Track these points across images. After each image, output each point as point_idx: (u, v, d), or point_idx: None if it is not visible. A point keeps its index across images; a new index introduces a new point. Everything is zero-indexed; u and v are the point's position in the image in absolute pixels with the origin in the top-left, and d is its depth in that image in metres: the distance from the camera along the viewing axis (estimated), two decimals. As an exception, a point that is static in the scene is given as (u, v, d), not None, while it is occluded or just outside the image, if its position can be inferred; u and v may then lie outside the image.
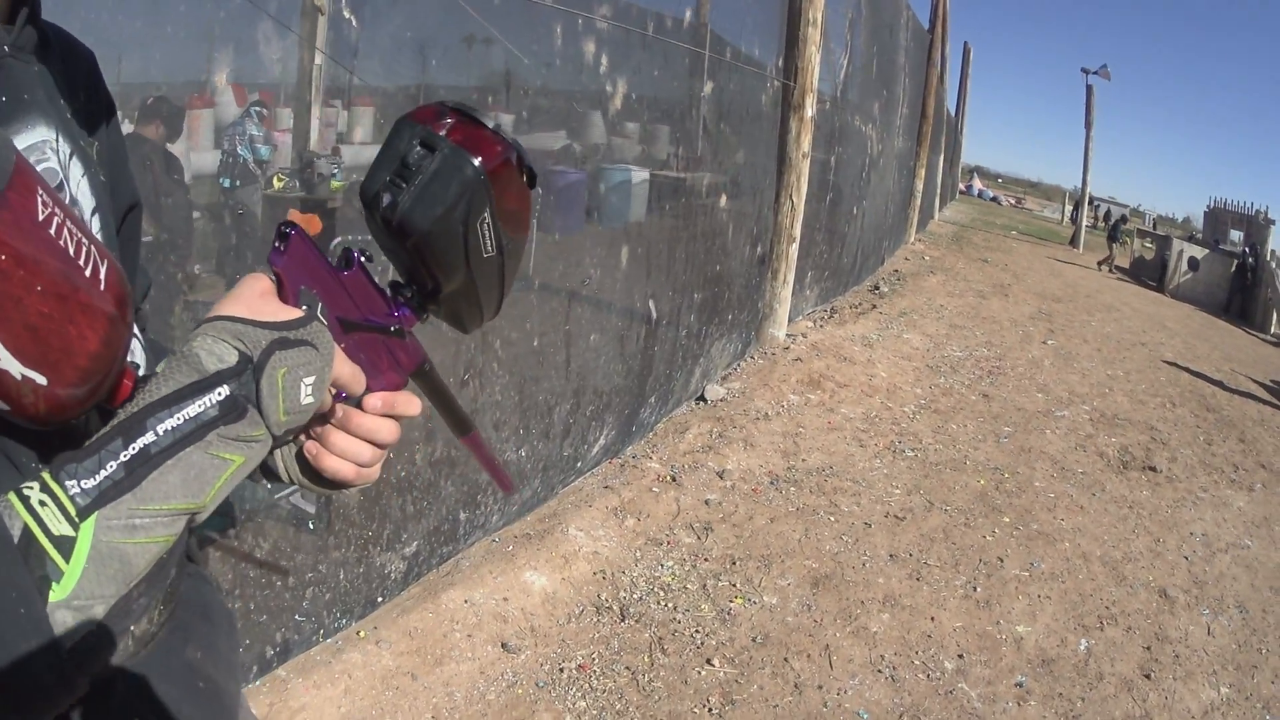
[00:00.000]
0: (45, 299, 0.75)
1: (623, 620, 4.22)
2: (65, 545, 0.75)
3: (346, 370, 0.98)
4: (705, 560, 4.83)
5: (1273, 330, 24.18)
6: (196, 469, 0.82)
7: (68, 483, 0.76)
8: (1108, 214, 74.63)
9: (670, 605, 4.41)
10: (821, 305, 11.33)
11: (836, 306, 11.66)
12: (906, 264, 17.57)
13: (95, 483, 0.77)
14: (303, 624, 3.52)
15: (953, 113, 37.55)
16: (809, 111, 8.25)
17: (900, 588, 4.84)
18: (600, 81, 5.04)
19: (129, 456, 0.78)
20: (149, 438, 0.79)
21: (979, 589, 4.95)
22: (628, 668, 3.89)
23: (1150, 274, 29.15)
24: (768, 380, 7.63)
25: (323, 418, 1.03)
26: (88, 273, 0.79)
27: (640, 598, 4.43)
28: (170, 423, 0.80)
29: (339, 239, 3.62)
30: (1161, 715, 4.23)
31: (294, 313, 0.92)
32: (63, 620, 0.75)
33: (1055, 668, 4.39)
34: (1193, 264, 27.84)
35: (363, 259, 1.04)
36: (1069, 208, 59.69)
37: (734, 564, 4.83)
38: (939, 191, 32.57)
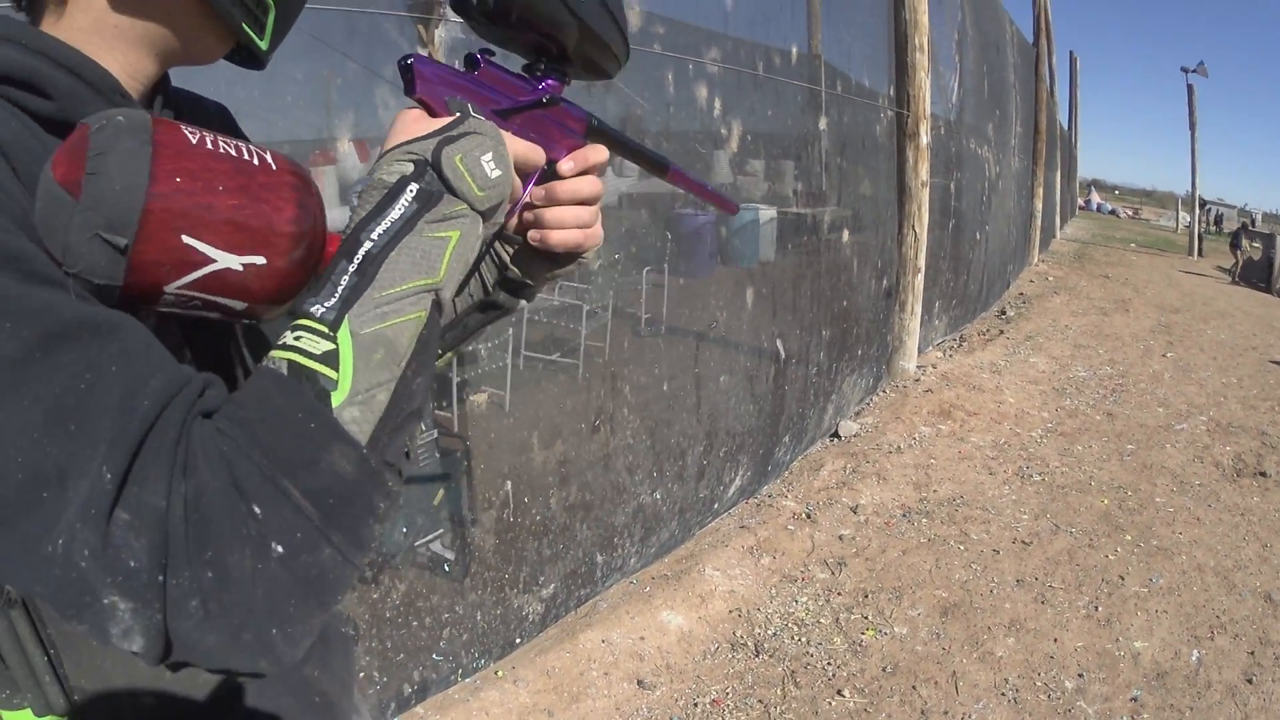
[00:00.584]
0: (228, 193, 0.84)
1: (757, 656, 4.28)
2: (329, 357, 0.82)
3: (520, 147, 1.05)
4: (838, 594, 4.87)
5: None
6: (420, 251, 0.90)
7: (312, 309, 0.83)
8: (1218, 217, 72.57)
9: (803, 639, 4.46)
10: (951, 334, 11.29)
11: (965, 334, 11.63)
12: (1031, 286, 17.42)
13: (335, 297, 0.84)
14: (440, 664, 3.62)
15: (1065, 127, 36.90)
16: (924, 139, 8.23)
17: (1025, 611, 4.85)
18: (718, 123, 5.13)
19: (356, 265, 0.86)
20: (366, 245, 0.87)
21: (1100, 608, 4.93)
22: (760, 701, 3.95)
23: (1259, 275, 27.94)
24: (899, 413, 7.65)
25: (529, 207, 1.14)
26: (256, 161, 0.89)
27: (774, 633, 4.48)
28: (380, 227, 0.88)
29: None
30: (1259, 717, 4.20)
31: (436, 122, 0.99)
32: (351, 417, 0.82)
33: (1168, 680, 4.39)
34: None
35: (485, 56, 1.08)
36: (1183, 214, 58.43)
37: (866, 597, 4.88)
38: (1059, 209, 32.00)
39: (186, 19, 1.01)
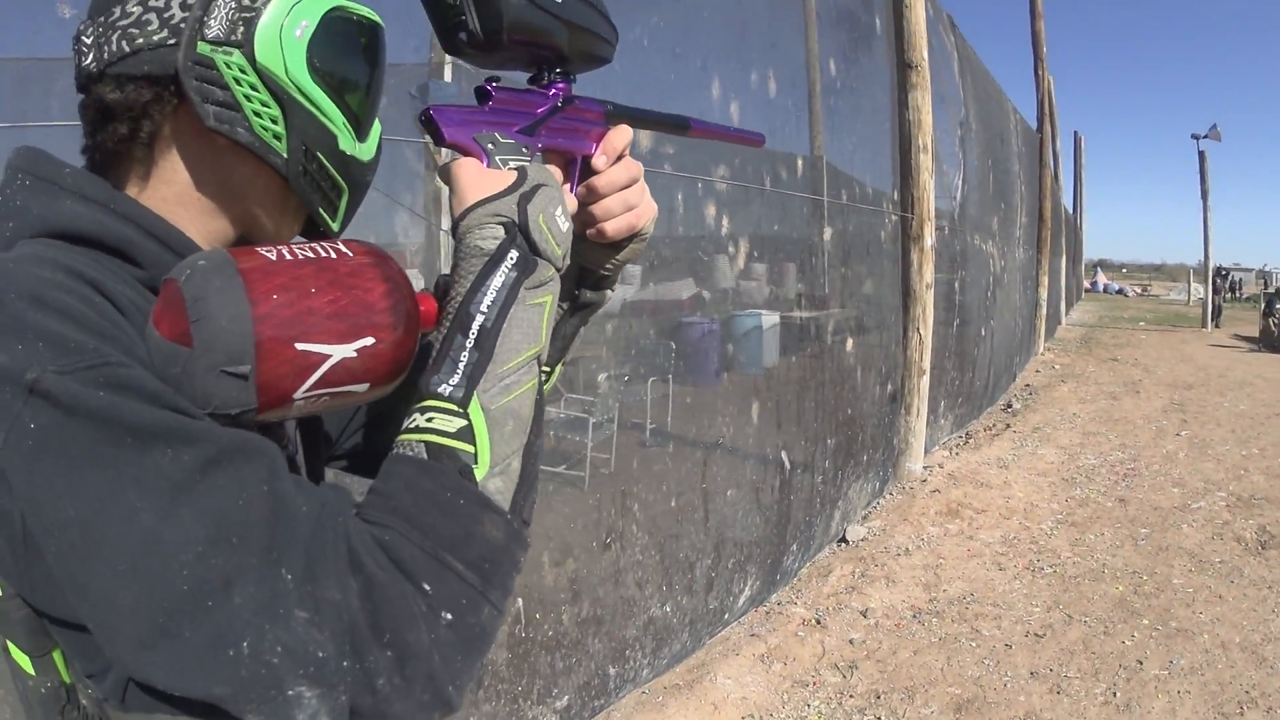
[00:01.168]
0: (322, 292, 0.92)
1: (770, 758, 4.33)
2: (464, 433, 0.92)
3: (560, 171, 1.18)
4: (850, 697, 4.94)
5: None
6: (527, 321, 0.99)
7: (439, 389, 0.94)
8: (1235, 282, 72.00)
9: (818, 743, 4.53)
10: (957, 432, 11.33)
11: (971, 431, 11.66)
12: (1037, 376, 17.44)
13: (459, 374, 0.94)
14: (458, 772, 3.71)
15: (1070, 210, 36.90)
16: (928, 241, 8.38)
17: (1040, 703, 4.90)
18: (725, 238, 5.31)
19: (473, 340, 0.96)
20: (479, 319, 0.96)
21: (1119, 694, 4.98)
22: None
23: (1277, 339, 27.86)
24: (907, 515, 7.73)
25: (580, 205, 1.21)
26: (334, 255, 0.97)
27: (787, 737, 4.56)
28: (488, 300, 0.97)
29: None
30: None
31: (508, 174, 1.07)
32: (496, 487, 0.93)
33: (1197, 759, 4.42)
34: None
35: (493, 85, 1.15)
36: (1194, 286, 57.92)
37: (878, 698, 4.94)
38: (1064, 295, 32.01)
39: (267, 201, 1.13)
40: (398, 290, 1.00)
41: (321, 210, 1.16)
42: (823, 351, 6.59)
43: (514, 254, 1.00)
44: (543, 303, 1.03)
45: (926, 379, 8.70)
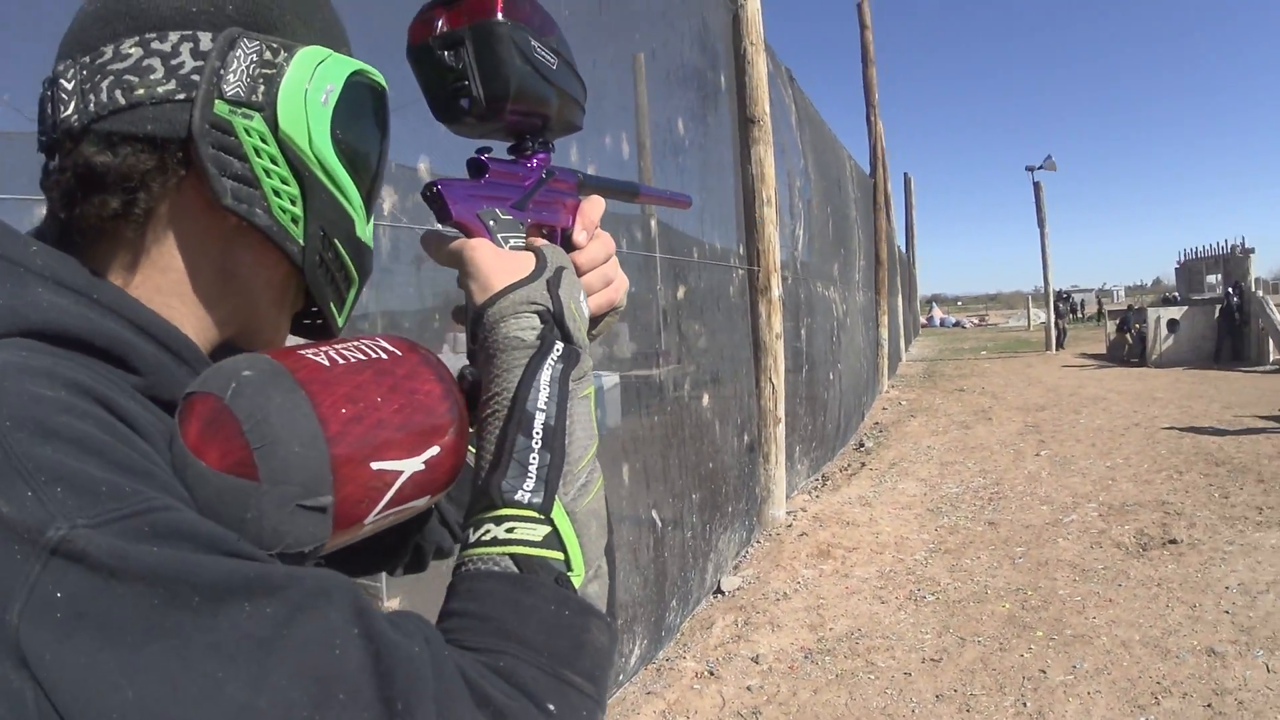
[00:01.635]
0: (388, 402, 0.86)
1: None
2: (551, 541, 0.87)
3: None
4: (758, 743, 4.97)
5: (1272, 359, 24.58)
6: (582, 415, 0.95)
7: (515, 497, 0.87)
8: (1077, 304, 74.56)
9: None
10: (813, 475, 11.48)
11: (827, 473, 11.83)
12: (885, 413, 17.82)
13: (534, 479, 0.88)
14: None
15: (903, 249, 38.04)
16: (775, 292, 8.55)
17: None
18: None
19: (540, 441, 0.90)
20: (540, 418, 0.91)
21: (1028, 704, 5.11)
22: None
23: (1132, 352, 28.99)
24: (778, 561, 7.83)
25: None
26: (384, 355, 0.91)
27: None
28: (543, 396, 0.91)
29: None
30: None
31: (526, 256, 1.04)
32: (595, 593, 0.89)
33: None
34: (1172, 326, 27.67)
35: (484, 156, 1.12)
36: (1035, 311, 59.75)
37: (789, 740, 4.98)
38: (903, 332, 32.89)
39: (270, 294, 1.01)
40: (451, 390, 0.96)
41: (332, 304, 1.05)
42: (681, 408, 6.67)
43: (559, 345, 0.96)
44: (589, 395, 0.99)
45: (782, 427, 8.86)
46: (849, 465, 12.37)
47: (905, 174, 41.64)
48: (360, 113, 1.01)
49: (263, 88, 0.91)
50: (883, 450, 13.45)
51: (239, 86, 0.90)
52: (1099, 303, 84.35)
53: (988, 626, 6.26)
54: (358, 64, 1.01)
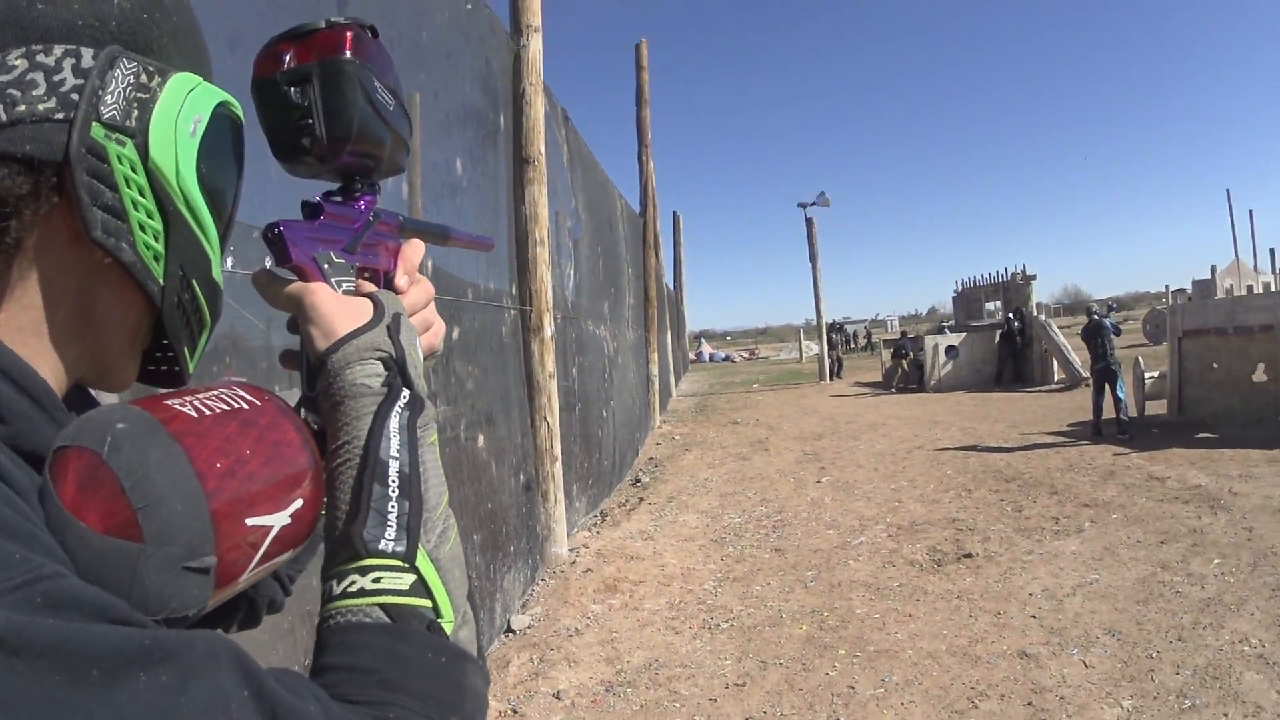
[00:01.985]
0: (256, 454, 0.83)
1: None
2: (418, 589, 0.85)
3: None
4: (572, 777, 4.93)
5: (1056, 378, 26.18)
6: (432, 461, 0.94)
7: (379, 546, 0.85)
8: (851, 335, 77.00)
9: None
10: (592, 512, 11.53)
11: (606, 509, 11.90)
12: (659, 449, 17.98)
13: (394, 527, 0.86)
14: None
15: (671, 287, 38.63)
16: (548, 331, 8.61)
17: None
18: None
19: (396, 489, 0.88)
20: (394, 466, 0.89)
21: (842, 718, 5.23)
22: None
23: (910, 379, 30.37)
24: (566, 597, 7.83)
25: None
26: (244, 405, 0.87)
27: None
28: (394, 443, 0.90)
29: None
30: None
31: (363, 302, 1.02)
32: (466, 638, 0.88)
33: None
34: (951, 352, 29.03)
35: (321, 199, 1.11)
36: (807, 344, 61.31)
37: (600, 772, 4.95)
38: (673, 368, 33.33)
39: (123, 335, 0.93)
40: (308, 440, 0.93)
41: (185, 348, 0.98)
42: (457, 449, 6.64)
43: (406, 392, 0.96)
44: (434, 442, 0.98)
45: (559, 465, 8.92)
46: (627, 501, 12.46)
47: (675, 212, 42.62)
48: (222, 147, 0.96)
49: (136, 112, 0.85)
50: (659, 484, 13.61)
51: (115, 109, 0.84)
52: (868, 333, 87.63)
53: (788, 649, 6.39)
54: (223, 94, 0.97)
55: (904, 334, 35.66)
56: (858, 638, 6.47)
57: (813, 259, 37.47)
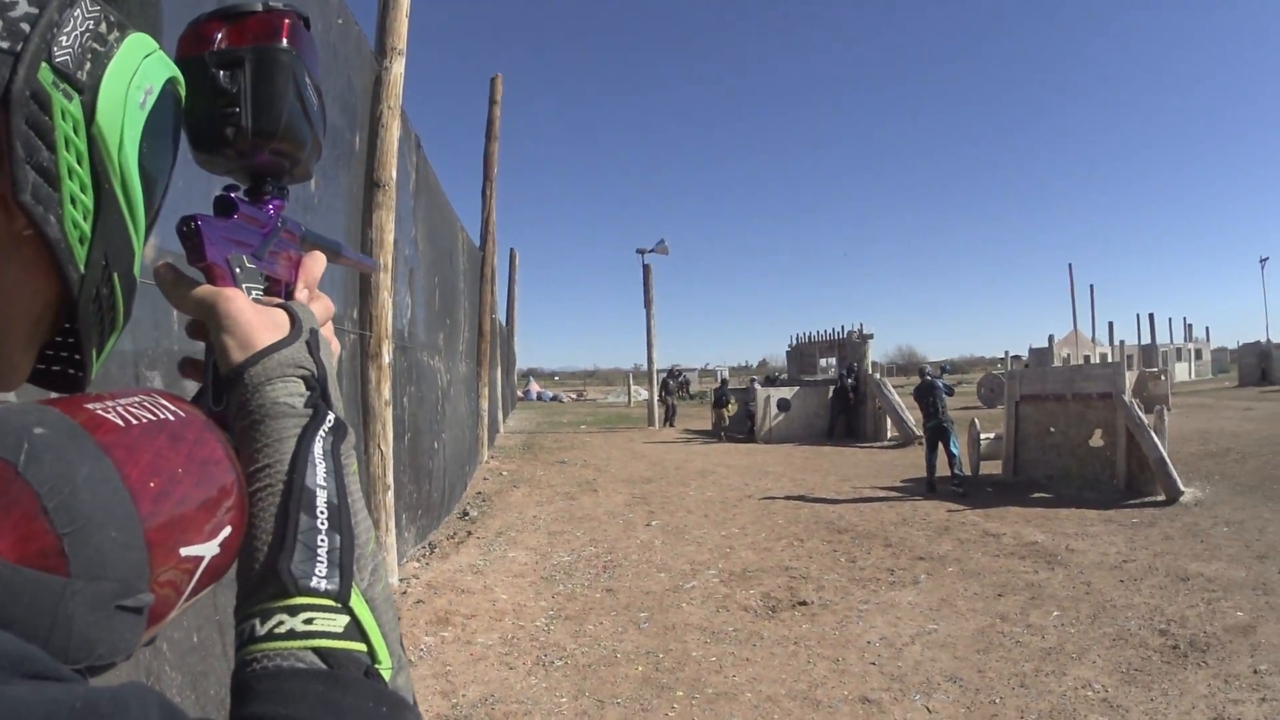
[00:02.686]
0: (187, 474, 0.73)
1: None
2: (352, 630, 0.78)
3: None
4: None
5: (890, 435, 26.87)
6: (355, 492, 0.88)
7: (310, 584, 0.78)
8: (684, 382, 77.77)
9: None
10: (420, 543, 11.45)
11: (434, 541, 11.83)
12: (487, 483, 17.93)
13: (325, 563, 0.80)
14: None
15: (504, 323, 38.73)
16: (386, 359, 8.54)
17: None
18: (164, 343, 5.14)
19: (325, 521, 0.82)
20: (321, 496, 0.83)
21: None
22: None
23: (740, 427, 30.64)
24: None
25: None
26: (170, 416, 0.76)
27: None
28: (319, 471, 0.84)
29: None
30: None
31: (278, 313, 0.96)
32: (403, 684, 0.80)
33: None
34: (783, 405, 29.47)
35: (236, 195, 1.04)
36: (636, 388, 61.67)
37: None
38: (501, 404, 33.25)
39: (24, 325, 0.76)
40: (233, 460, 0.82)
41: (93, 350, 0.83)
42: None
43: (331, 416, 0.90)
44: (355, 471, 0.91)
45: (391, 494, 8.85)
46: (455, 534, 12.41)
47: (512, 249, 42.72)
48: (165, 129, 0.84)
49: (89, 65, 0.71)
50: (488, 519, 13.57)
51: (68, 55, 0.69)
52: (686, 380, 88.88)
53: (624, 688, 6.40)
54: (175, 68, 0.85)
55: (724, 382, 36.29)
56: (695, 680, 6.52)
57: (648, 304, 37.86)
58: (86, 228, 0.74)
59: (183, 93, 0.88)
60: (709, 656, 7.02)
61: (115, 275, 0.80)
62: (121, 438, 0.67)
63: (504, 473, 19.80)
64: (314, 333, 0.96)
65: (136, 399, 0.75)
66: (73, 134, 0.70)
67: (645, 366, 39.34)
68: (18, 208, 0.67)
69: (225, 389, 0.91)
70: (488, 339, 21.94)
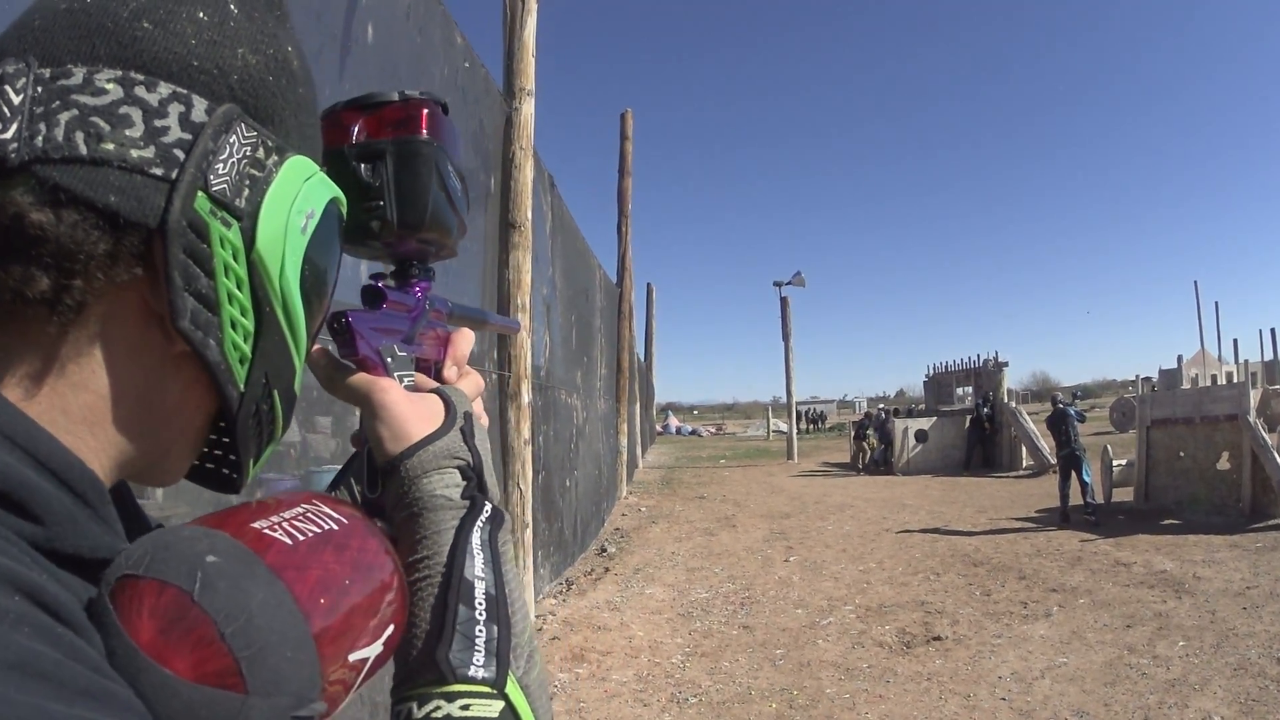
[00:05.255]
0: (355, 584, 0.76)
1: None
2: (508, 716, 0.80)
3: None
4: None
5: (1025, 464, 26.31)
6: (513, 580, 0.90)
7: (468, 672, 0.81)
8: (819, 415, 77.21)
9: None
10: (555, 580, 11.49)
11: (570, 578, 11.90)
12: (625, 520, 17.97)
13: (483, 652, 0.82)
14: None
15: (642, 358, 38.67)
16: (526, 399, 8.58)
17: None
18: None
19: (484, 612, 0.84)
20: (480, 587, 0.85)
21: None
22: None
23: (874, 460, 30.43)
24: None
25: None
26: (334, 526, 0.78)
27: None
28: (479, 563, 0.86)
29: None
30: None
31: (434, 401, 0.96)
32: None
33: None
34: (920, 436, 29.20)
35: (385, 285, 1.04)
36: (774, 421, 61.35)
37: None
38: (639, 440, 33.29)
39: (189, 437, 0.80)
40: (394, 558, 0.85)
41: (251, 460, 0.84)
42: None
43: (488, 506, 0.91)
44: (513, 556, 0.93)
45: (530, 531, 8.89)
46: (593, 570, 12.46)
47: (649, 284, 42.65)
48: (328, 249, 0.83)
49: (247, 192, 0.72)
50: (626, 556, 13.61)
51: (225, 183, 0.70)
52: (823, 414, 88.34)
53: (758, 727, 6.31)
54: (336, 189, 0.84)
55: (868, 415, 35.40)
56: (828, 717, 6.49)
57: (785, 337, 37.75)
58: (247, 349, 0.75)
59: (344, 210, 0.87)
60: (842, 694, 6.99)
61: (275, 392, 0.81)
62: (291, 557, 0.70)
63: (643, 509, 19.83)
64: (468, 417, 0.97)
65: (299, 509, 0.77)
66: (232, 261, 0.71)
67: (784, 399, 39.14)
68: (176, 333, 0.70)
69: (383, 478, 0.93)
70: (626, 375, 21.98)
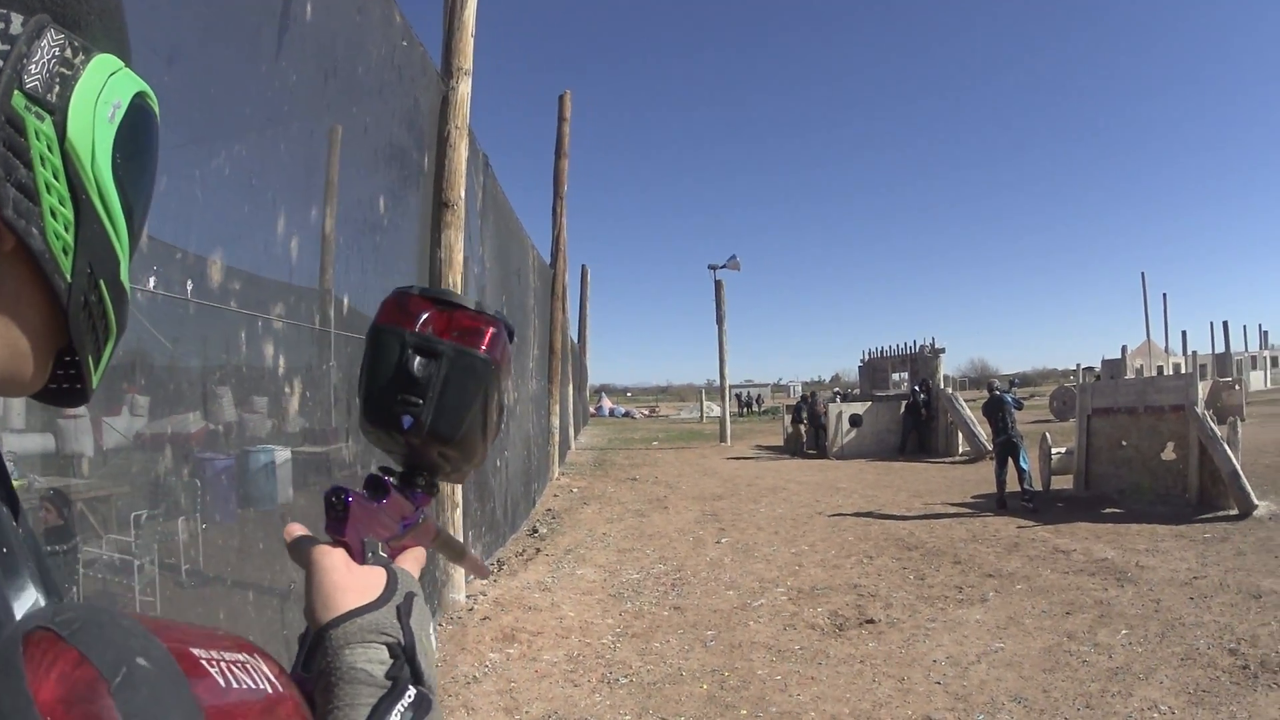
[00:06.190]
0: None
1: None
2: None
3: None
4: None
5: (961, 450, 26.58)
6: None
7: None
8: (755, 398, 77.41)
9: None
10: (487, 560, 11.51)
11: (502, 558, 11.94)
12: (557, 500, 18.05)
13: None
14: None
15: (575, 340, 38.80)
16: None
17: None
18: (233, 359, 5.15)
19: None
20: None
21: None
22: None
23: (810, 443, 30.65)
24: (463, 644, 7.85)
25: None
26: (269, 689, 0.77)
27: None
28: None
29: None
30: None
31: (376, 573, 0.95)
32: None
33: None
34: (855, 420, 29.30)
35: (390, 480, 1.03)
36: (708, 404, 61.62)
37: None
38: (572, 421, 33.37)
39: (33, 341, 0.80)
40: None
41: (90, 357, 0.85)
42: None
43: (411, 690, 0.88)
44: None
45: (460, 511, 9.00)
46: (524, 551, 12.53)
47: (584, 265, 42.75)
48: (138, 140, 0.86)
49: (58, 88, 0.77)
50: (558, 537, 13.68)
51: (38, 81, 0.75)
52: (756, 397, 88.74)
53: (688, 707, 6.43)
54: (143, 84, 0.88)
55: (804, 398, 35.21)
56: (759, 699, 6.53)
57: (719, 321, 37.85)
58: (69, 238, 0.77)
59: (154, 105, 0.90)
60: (774, 675, 7.04)
61: (101, 282, 0.82)
62: (219, 699, 0.67)
63: (574, 490, 19.94)
64: (409, 598, 0.95)
65: (241, 658, 0.75)
66: (47, 151, 0.75)
67: (718, 382, 39.30)
68: (3, 224, 0.72)
69: (312, 646, 0.90)
70: (559, 356, 22.02)
